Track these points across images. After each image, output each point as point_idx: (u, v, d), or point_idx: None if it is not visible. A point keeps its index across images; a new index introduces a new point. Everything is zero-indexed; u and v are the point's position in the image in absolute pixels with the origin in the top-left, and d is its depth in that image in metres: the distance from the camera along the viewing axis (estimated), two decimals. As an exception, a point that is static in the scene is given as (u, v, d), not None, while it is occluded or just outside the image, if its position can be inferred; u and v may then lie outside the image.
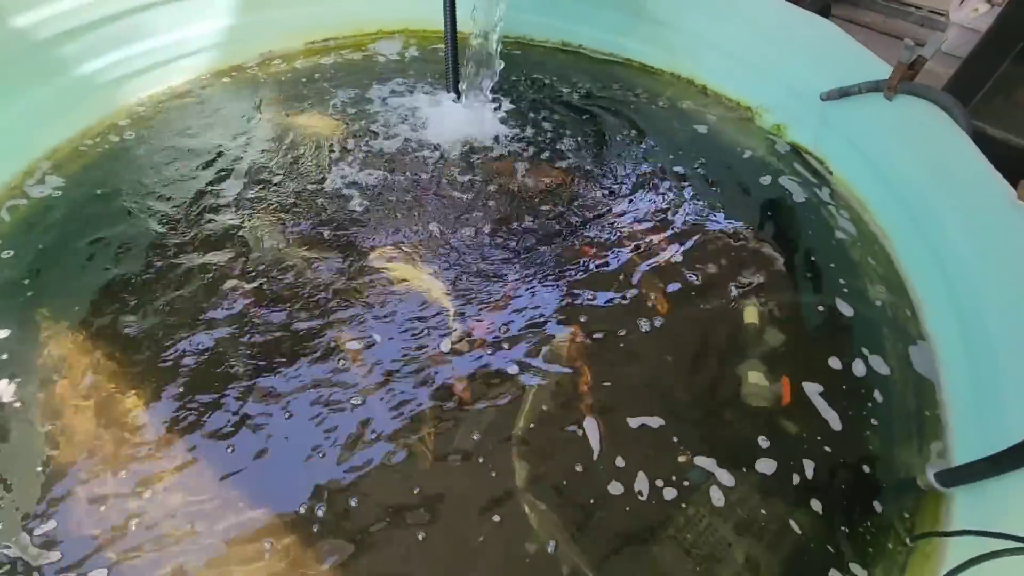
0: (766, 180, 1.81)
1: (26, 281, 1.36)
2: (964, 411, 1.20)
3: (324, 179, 1.70)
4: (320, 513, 1.04)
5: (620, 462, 1.14)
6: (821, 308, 1.45)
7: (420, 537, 1.02)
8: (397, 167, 1.77)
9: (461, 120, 1.97)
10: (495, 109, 2.00)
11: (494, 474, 1.10)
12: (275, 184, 1.67)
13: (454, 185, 1.72)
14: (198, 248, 1.46)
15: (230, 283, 1.38)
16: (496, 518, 1.05)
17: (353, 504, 1.05)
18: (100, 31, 1.70)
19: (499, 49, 1.88)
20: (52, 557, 0.97)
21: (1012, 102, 2.55)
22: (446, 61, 2.06)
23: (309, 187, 1.67)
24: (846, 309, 1.44)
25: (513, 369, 1.27)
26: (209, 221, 1.53)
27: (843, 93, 1.62)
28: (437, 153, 1.83)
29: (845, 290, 1.48)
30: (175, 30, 1.88)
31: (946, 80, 2.76)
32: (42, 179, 1.59)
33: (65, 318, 1.29)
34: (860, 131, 1.64)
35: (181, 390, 1.19)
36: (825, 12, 3.40)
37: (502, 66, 1.90)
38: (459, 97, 2.03)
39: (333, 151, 1.81)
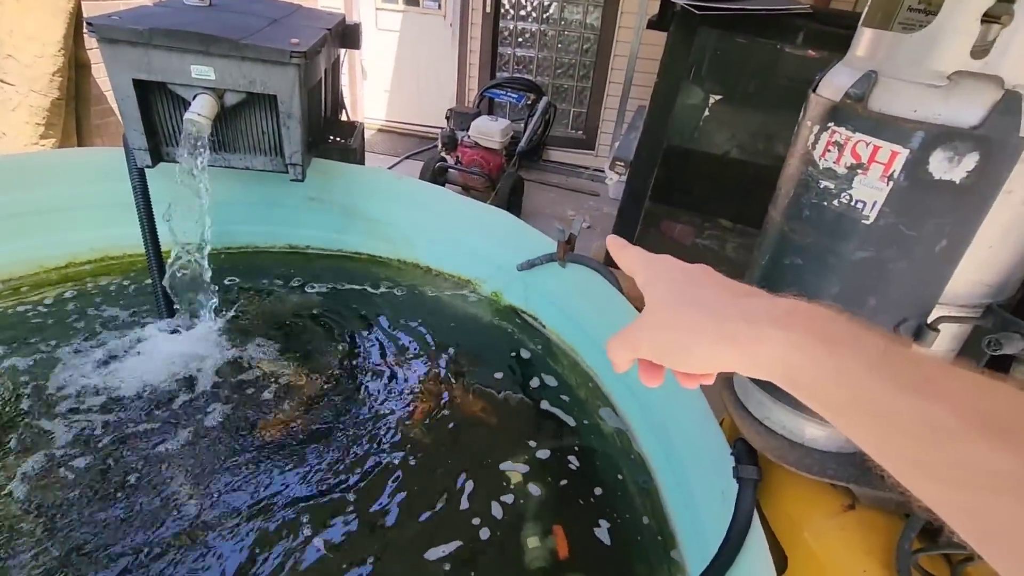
0: (500, 339, 2.03)
1: None
2: (681, 518, 1.41)
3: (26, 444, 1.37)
4: None
5: None
6: (576, 449, 1.61)
7: None
8: (106, 415, 1.53)
9: (179, 348, 1.82)
10: (220, 328, 1.90)
11: None
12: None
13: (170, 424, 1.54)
14: None
15: None
16: None
17: None
18: None
19: (209, 264, 1.85)
20: None
21: (660, 232, 3.41)
22: (153, 286, 1.93)
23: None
24: (591, 443, 1.64)
25: None
26: None
27: (531, 264, 1.95)
28: (150, 389, 1.64)
29: (586, 426, 1.69)
30: None
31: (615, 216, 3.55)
32: None
33: None
34: (553, 292, 1.97)
35: None
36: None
37: (211, 280, 1.85)
38: (173, 320, 1.89)
39: (31, 405, 1.49)
